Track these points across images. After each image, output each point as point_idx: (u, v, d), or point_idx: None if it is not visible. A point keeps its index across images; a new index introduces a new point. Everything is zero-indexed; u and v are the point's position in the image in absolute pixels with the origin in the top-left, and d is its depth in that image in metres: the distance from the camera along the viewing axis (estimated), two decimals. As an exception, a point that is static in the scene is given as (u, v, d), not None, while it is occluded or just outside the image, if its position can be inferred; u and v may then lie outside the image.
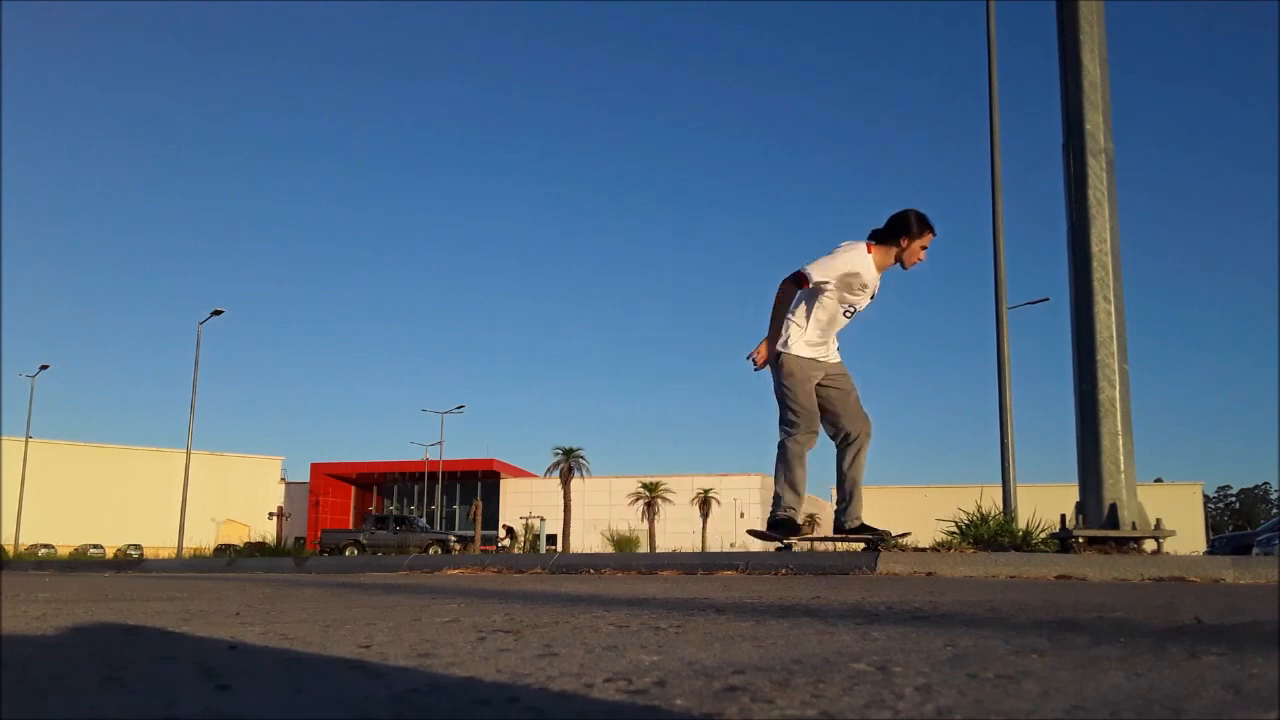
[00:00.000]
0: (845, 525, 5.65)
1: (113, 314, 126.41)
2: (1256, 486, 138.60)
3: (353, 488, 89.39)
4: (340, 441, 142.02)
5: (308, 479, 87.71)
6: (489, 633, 1.98)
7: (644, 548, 50.33)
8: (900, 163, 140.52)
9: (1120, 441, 5.52)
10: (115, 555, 50.47)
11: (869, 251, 5.40)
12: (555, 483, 72.69)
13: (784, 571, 5.17)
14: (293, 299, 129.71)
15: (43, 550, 50.19)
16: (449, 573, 6.85)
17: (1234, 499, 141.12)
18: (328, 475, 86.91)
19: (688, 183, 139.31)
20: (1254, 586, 4.19)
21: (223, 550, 35.61)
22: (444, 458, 69.41)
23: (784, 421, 5.50)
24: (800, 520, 5.62)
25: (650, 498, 73.26)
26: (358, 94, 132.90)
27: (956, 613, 2.38)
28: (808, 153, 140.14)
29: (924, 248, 5.42)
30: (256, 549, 22.26)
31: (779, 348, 5.46)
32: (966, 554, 5.23)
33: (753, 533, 5.91)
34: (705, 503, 75.06)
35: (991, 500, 8.36)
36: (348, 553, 32.36)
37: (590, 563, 6.52)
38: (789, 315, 5.51)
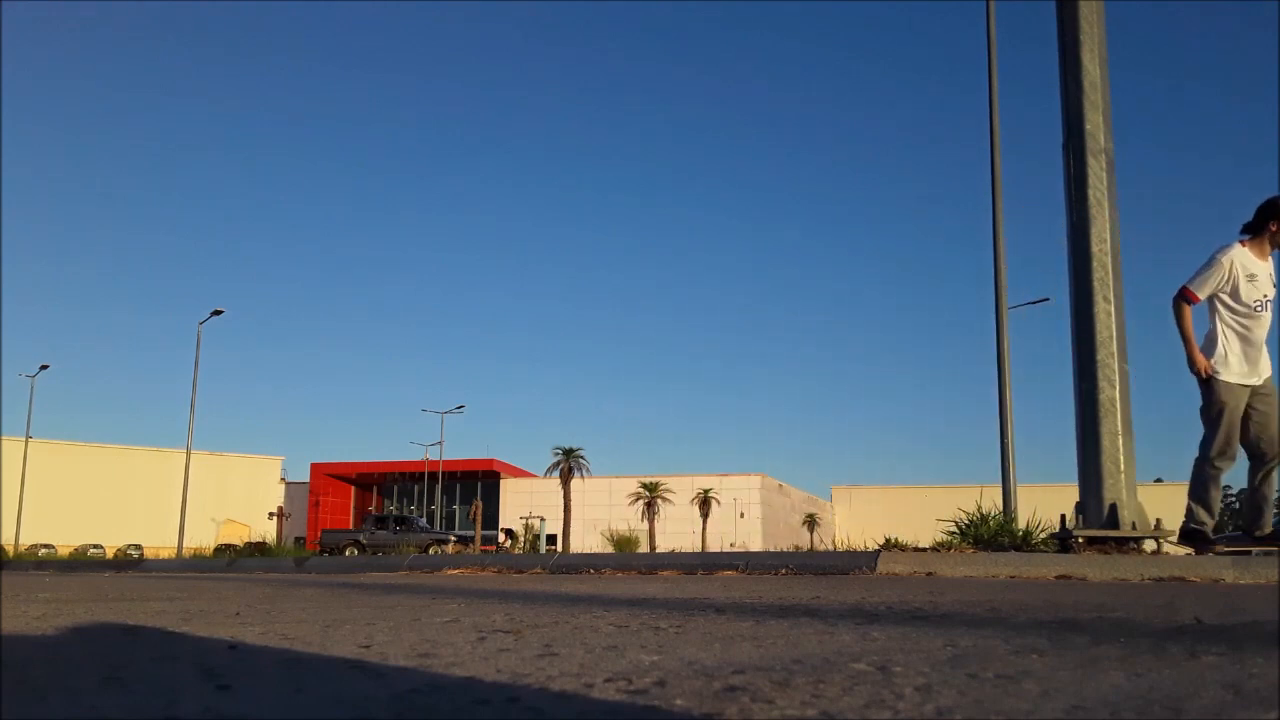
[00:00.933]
0: (1254, 534, 5.85)
1: (113, 314, 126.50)
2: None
3: (353, 488, 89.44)
4: (340, 441, 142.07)
5: (308, 479, 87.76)
6: (489, 633, 1.98)
7: (644, 548, 50.33)
8: (900, 163, 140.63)
9: (1120, 441, 5.52)
10: (115, 555, 50.48)
11: (1244, 246, 5.61)
12: (555, 483, 72.67)
13: (784, 571, 5.17)
14: (293, 299, 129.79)
15: (43, 550, 50.18)
16: (449, 573, 6.85)
17: (1234, 499, 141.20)
18: (328, 475, 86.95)
19: (687, 183, 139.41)
20: (1254, 586, 4.20)
21: (223, 550, 35.64)
22: (444, 458, 69.47)
23: (1205, 442, 5.67)
24: (1210, 534, 5.81)
25: (650, 498, 73.24)
26: (358, 94, 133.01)
27: (956, 613, 2.38)
28: (807, 153, 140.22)
29: None
30: (256, 549, 22.26)
31: (1212, 372, 5.64)
32: (966, 554, 5.23)
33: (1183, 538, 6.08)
34: (705, 503, 75.05)
35: (991, 500, 8.34)
36: (348, 553, 32.36)
37: (590, 563, 6.52)
38: (1213, 330, 5.68)
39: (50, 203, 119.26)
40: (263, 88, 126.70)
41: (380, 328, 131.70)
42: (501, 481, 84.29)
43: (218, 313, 39.71)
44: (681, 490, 75.18)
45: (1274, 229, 5.56)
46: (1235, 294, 5.56)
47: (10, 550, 40.62)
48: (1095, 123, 5.81)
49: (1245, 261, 5.56)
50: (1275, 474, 5.75)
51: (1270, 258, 5.67)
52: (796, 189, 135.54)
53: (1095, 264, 5.68)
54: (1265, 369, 5.71)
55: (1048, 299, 24.16)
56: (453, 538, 36.30)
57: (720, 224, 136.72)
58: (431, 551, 26.92)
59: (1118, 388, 5.58)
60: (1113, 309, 5.65)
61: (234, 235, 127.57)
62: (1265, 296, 5.63)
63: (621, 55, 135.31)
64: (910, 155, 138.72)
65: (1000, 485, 13.49)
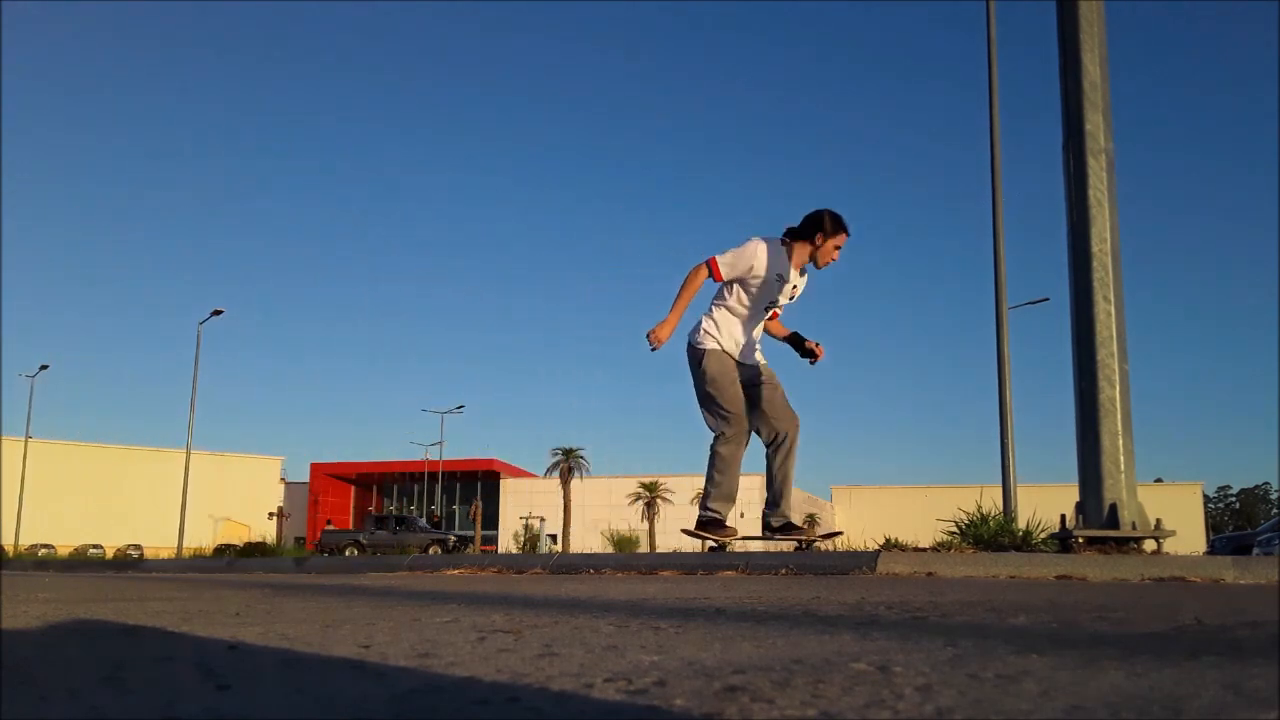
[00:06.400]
0: (772, 524, 5.69)
1: (113, 314, 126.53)
2: (1256, 486, 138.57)
3: (353, 488, 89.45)
4: (340, 441, 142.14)
5: (308, 479, 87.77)
6: (489, 633, 1.98)
7: (644, 548, 50.28)
8: (900, 163, 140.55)
9: (1120, 441, 5.52)
10: (115, 555, 50.45)
11: (783, 246, 5.37)
12: (555, 483, 72.62)
13: (784, 571, 5.17)
14: (293, 299, 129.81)
15: (43, 550, 50.19)
16: (449, 573, 6.85)
17: (1234, 499, 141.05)
18: (328, 475, 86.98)
19: (686, 183, 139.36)
20: (1254, 586, 4.19)
21: (222, 550, 35.69)
22: (444, 458, 69.49)
23: (713, 424, 5.44)
24: (728, 521, 5.64)
25: (650, 498, 73.17)
26: (357, 94, 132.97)
27: (956, 613, 2.38)
28: (808, 153, 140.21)
29: (837, 247, 5.40)
30: (256, 549, 22.28)
31: (698, 346, 5.40)
32: (966, 554, 5.23)
33: (686, 531, 5.95)
34: (705, 503, 74.94)
35: (991, 500, 8.35)
36: (347, 553, 32.36)
37: (590, 563, 6.51)
38: (705, 314, 5.46)
39: (50, 203, 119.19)
40: (263, 88, 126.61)
41: (380, 328, 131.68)
42: (501, 481, 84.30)
43: (218, 313, 39.72)
44: (681, 490, 75.00)
45: (818, 242, 5.32)
46: (751, 287, 5.32)
47: (10, 550, 40.62)
48: (1095, 123, 5.81)
49: (780, 261, 5.31)
50: (795, 452, 5.55)
51: (802, 271, 5.44)
52: (796, 189, 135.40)
53: (1095, 264, 5.68)
54: (759, 355, 5.52)
55: (1047, 299, 24.20)
56: (452, 538, 36.29)
57: (720, 224, 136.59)
58: (432, 552, 26.93)
59: (1118, 388, 5.57)
60: (1113, 309, 5.65)
61: (234, 235, 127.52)
62: (776, 302, 5.41)
63: (620, 56, 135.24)
64: (910, 155, 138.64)
65: (1000, 485, 13.51)
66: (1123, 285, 5.74)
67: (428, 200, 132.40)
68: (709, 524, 5.60)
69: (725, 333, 5.40)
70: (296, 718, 1.08)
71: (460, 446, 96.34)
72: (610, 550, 32.92)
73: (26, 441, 54.03)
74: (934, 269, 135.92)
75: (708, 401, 5.41)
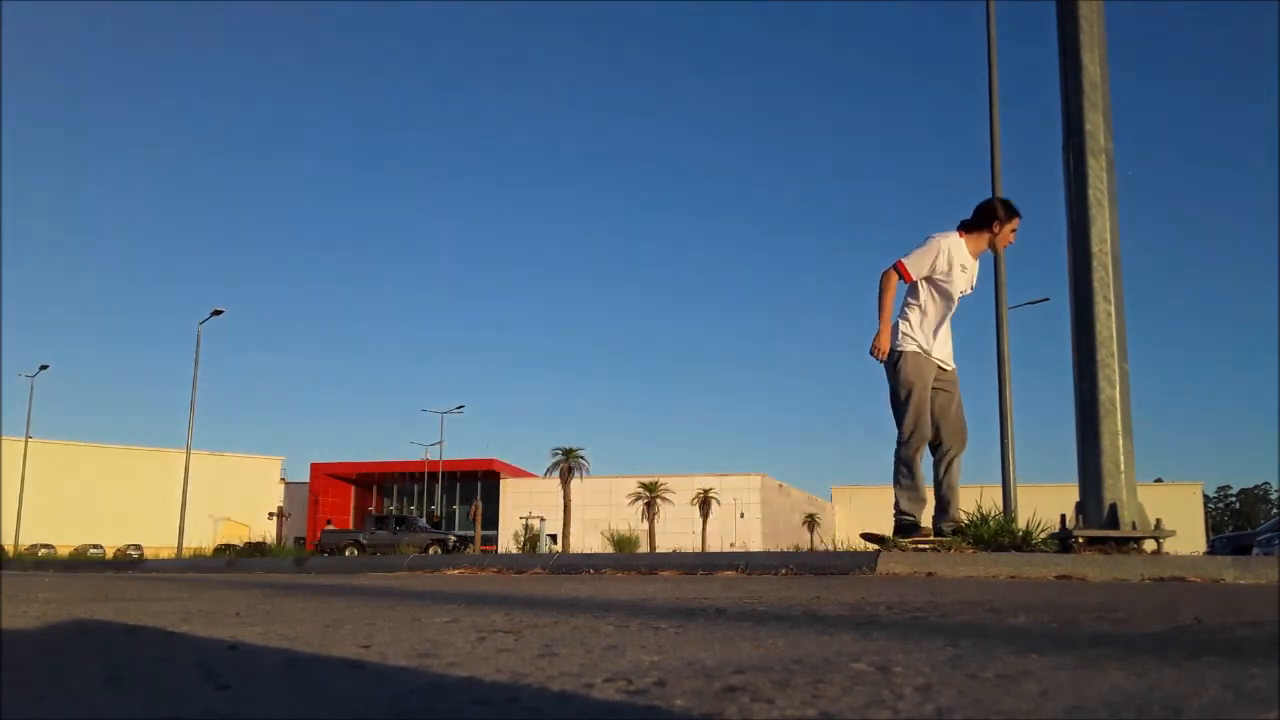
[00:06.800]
0: (944, 530, 5.82)
1: (113, 314, 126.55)
2: (1256, 486, 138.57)
3: (353, 488, 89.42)
4: (340, 441, 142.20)
5: (308, 479, 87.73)
6: (489, 633, 1.98)
7: (644, 548, 50.23)
8: (900, 162, 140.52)
9: (1120, 441, 5.52)
10: (115, 555, 50.45)
11: (960, 237, 5.65)
12: (555, 483, 72.53)
13: (784, 572, 5.17)
14: (293, 299, 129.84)
15: (43, 550, 50.17)
16: (449, 573, 6.85)
17: (1234, 499, 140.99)
18: (328, 475, 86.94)
19: (686, 183, 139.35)
20: (1254, 586, 4.19)
21: (222, 550, 35.61)
22: (444, 458, 69.47)
23: (900, 426, 5.62)
24: (922, 524, 5.77)
25: (650, 498, 73.09)
26: (358, 96, 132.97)
27: (956, 613, 2.38)
28: (807, 153, 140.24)
29: (1013, 230, 5.72)
30: (256, 549, 22.28)
31: (897, 348, 5.59)
32: (966, 554, 5.22)
33: (866, 536, 6.08)
34: (705, 503, 74.94)
35: (991, 500, 8.34)
36: (347, 553, 32.34)
37: (590, 563, 6.51)
38: (900, 317, 5.68)
39: (50, 203, 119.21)
40: (264, 88, 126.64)
41: (380, 328, 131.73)
42: (501, 481, 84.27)
43: (218, 313, 39.67)
44: (681, 490, 75.04)
45: (995, 230, 5.61)
46: (942, 281, 5.57)
47: (10, 550, 40.62)
48: (1095, 123, 5.80)
49: (961, 252, 5.60)
50: (958, 463, 5.75)
51: (977, 258, 5.72)
52: (796, 188, 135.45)
53: (1095, 264, 5.67)
54: (949, 358, 5.72)
55: (1047, 299, 24.15)
56: (452, 538, 36.26)
57: (720, 224, 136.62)
58: (432, 552, 26.92)
59: (1118, 388, 5.57)
60: (1113, 309, 5.65)
61: (234, 235, 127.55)
62: (962, 291, 5.67)
63: (617, 57, 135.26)
64: (910, 155, 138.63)
65: (1000, 485, 13.49)
66: (1123, 285, 5.74)
67: (427, 201, 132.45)
68: (907, 528, 5.74)
69: (922, 332, 5.62)
70: (296, 718, 1.08)
71: (460, 446, 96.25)
72: (610, 550, 32.90)
73: (26, 441, 53.98)
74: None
75: (897, 403, 5.63)
